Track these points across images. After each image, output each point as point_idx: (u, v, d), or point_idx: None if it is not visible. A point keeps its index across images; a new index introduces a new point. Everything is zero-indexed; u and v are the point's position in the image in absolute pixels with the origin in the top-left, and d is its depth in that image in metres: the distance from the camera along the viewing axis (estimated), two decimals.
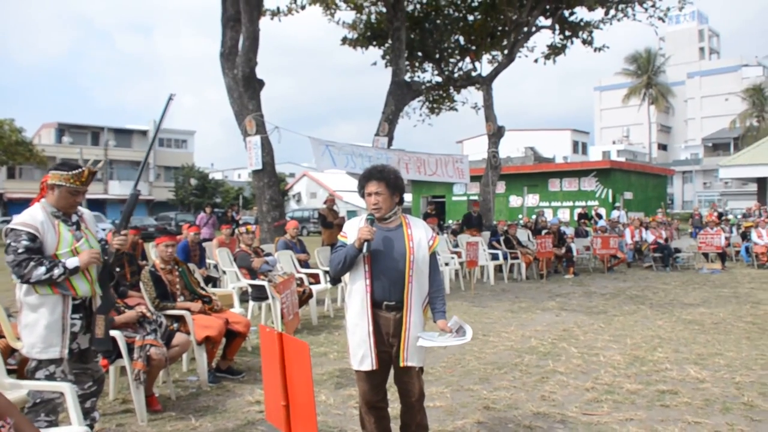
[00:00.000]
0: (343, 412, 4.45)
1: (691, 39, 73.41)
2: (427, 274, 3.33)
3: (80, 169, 3.46)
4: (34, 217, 3.38)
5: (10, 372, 4.05)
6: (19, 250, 3.27)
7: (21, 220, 3.35)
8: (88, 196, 32.47)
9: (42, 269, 3.27)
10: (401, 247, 3.25)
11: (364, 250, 3.19)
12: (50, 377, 3.39)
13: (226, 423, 4.25)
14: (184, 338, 4.85)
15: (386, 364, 3.33)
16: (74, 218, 3.55)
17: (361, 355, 3.24)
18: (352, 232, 3.29)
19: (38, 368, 3.39)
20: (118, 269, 5.20)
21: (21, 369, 4.74)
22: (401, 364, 3.25)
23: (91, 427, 3.69)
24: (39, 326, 3.33)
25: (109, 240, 3.59)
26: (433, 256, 3.38)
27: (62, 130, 51.24)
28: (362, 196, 3.39)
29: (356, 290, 3.28)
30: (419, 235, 3.32)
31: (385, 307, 3.25)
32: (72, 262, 3.35)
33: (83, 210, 3.65)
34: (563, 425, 4.14)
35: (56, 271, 3.29)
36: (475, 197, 20.90)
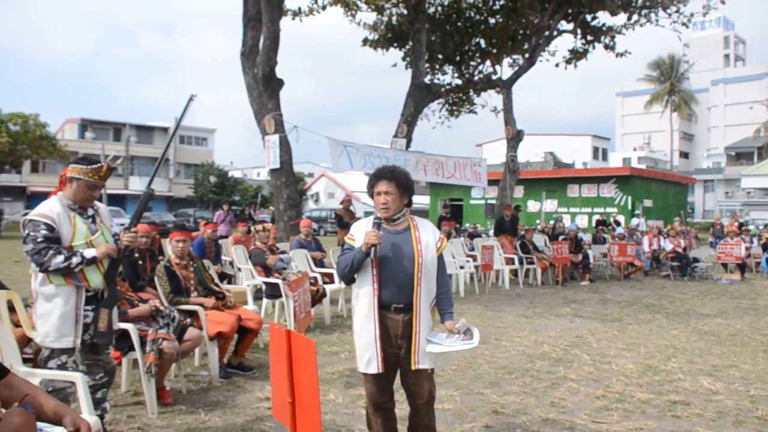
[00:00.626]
0: (352, 411, 4.46)
1: (717, 45, 72.49)
2: (435, 276, 3.32)
3: (99, 164, 3.54)
4: (51, 208, 3.46)
5: (26, 361, 4.12)
6: (38, 239, 3.35)
7: (39, 212, 3.43)
8: (108, 191, 32.91)
9: (61, 257, 3.34)
10: (410, 250, 3.24)
11: (371, 254, 3.19)
12: (62, 367, 3.45)
13: (235, 418, 4.28)
14: (197, 333, 4.89)
15: (393, 366, 3.32)
16: (90, 212, 3.62)
17: (368, 358, 3.24)
18: (360, 235, 3.28)
19: (51, 357, 3.46)
20: (140, 262, 5.28)
21: (36, 358, 4.82)
22: (413, 368, 3.23)
23: (102, 417, 3.74)
24: (53, 316, 3.40)
25: (121, 237, 3.64)
26: (440, 258, 3.37)
27: (85, 125, 51.99)
28: (371, 195, 3.38)
29: (363, 293, 3.27)
30: (427, 237, 3.31)
31: (394, 310, 3.24)
32: (90, 253, 3.42)
33: (99, 204, 3.72)
34: None
35: (74, 260, 3.36)
36: (493, 201, 20.82)
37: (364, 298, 3.27)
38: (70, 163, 3.59)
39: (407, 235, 3.30)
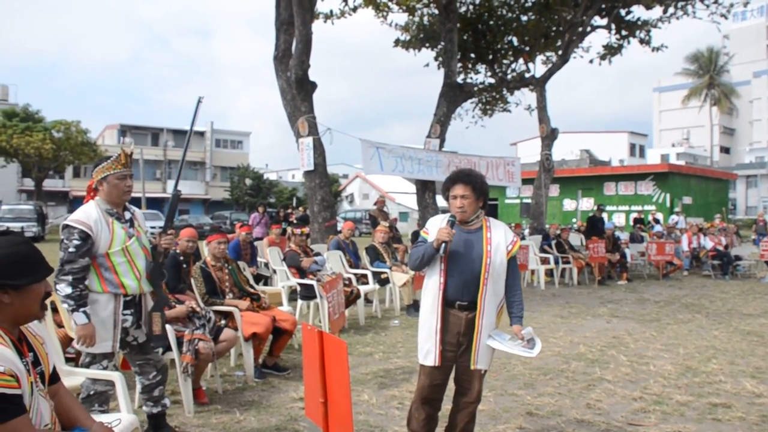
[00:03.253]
0: (385, 412, 4.47)
1: (759, 36, 70.17)
2: (503, 279, 3.34)
3: (116, 154, 3.59)
4: (88, 214, 3.47)
5: (68, 360, 4.26)
6: (70, 249, 3.36)
7: (76, 217, 3.44)
8: (147, 195, 33.60)
9: (69, 290, 3.32)
10: (479, 250, 3.28)
11: (441, 251, 3.24)
12: (104, 371, 3.53)
13: (270, 418, 4.33)
14: (232, 334, 4.97)
15: (449, 363, 3.37)
16: (127, 215, 3.66)
17: (426, 350, 3.32)
18: (434, 229, 3.34)
19: (92, 363, 3.54)
20: (184, 266, 5.40)
21: (79, 358, 4.97)
22: (471, 367, 3.29)
23: (163, 414, 3.87)
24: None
25: (158, 241, 3.72)
26: (512, 261, 3.37)
27: (124, 131, 53.29)
28: (446, 198, 3.41)
29: (430, 287, 3.34)
30: (498, 238, 3.33)
31: (458, 307, 3.28)
32: (80, 319, 3.34)
33: (135, 209, 3.78)
34: None
35: (70, 303, 3.33)
36: (529, 200, 20.62)
37: (430, 291, 3.34)
38: (92, 172, 3.61)
39: (479, 234, 3.34)
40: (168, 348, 4.41)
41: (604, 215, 15.52)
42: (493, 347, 3.29)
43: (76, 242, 3.37)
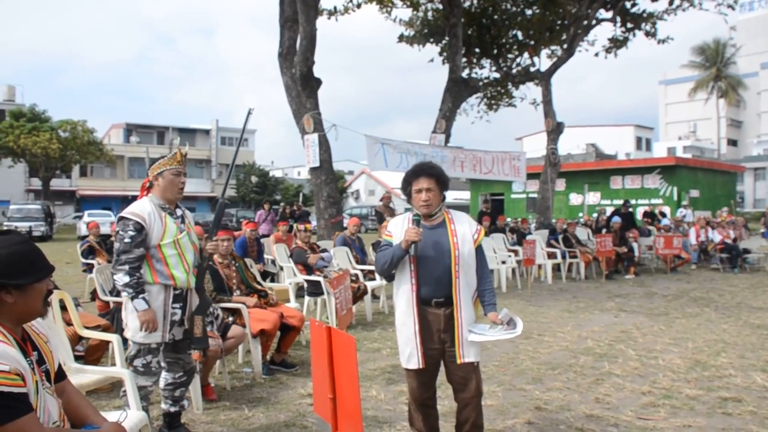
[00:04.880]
0: (393, 407, 4.47)
1: (767, 27, 69.67)
2: (474, 269, 3.31)
3: (173, 152, 3.72)
4: (143, 207, 3.59)
5: (77, 358, 4.27)
6: (125, 239, 3.48)
7: (131, 210, 3.57)
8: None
9: (127, 279, 3.44)
10: (446, 244, 3.24)
11: (411, 251, 3.20)
12: (146, 366, 3.59)
13: (278, 414, 4.34)
14: (240, 331, 4.98)
15: (435, 362, 3.32)
16: (179, 212, 3.76)
17: (408, 354, 3.26)
18: (397, 231, 3.30)
19: (137, 356, 3.58)
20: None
21: (87, 356, 4.99)
22: (458, 362, 3.23)
23: (180, 413, 3.90)
24: None
25: (204, 246, 3.80)
26: (479, 250, 3.34)
27: (130, 130, 53.48)
28: (407, 192, 3.37)
29: (402, 290, 3.29)
30: (463, 229, 3.30)
31: (434, 304, 3.24)
32: (141, 305, 3.46)
33: (185, 209, 3.88)
34: (617, 429, 4.03)
35: (128, 291, 3.45)
36: (535, 195, 20.57)
37: (403, 294, 3.29)
38: (148, 169, 3.76)
39: (443, 228, 3.30)
40: (207, 349, 4.41)
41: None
42: (477, 341, 3.23)
43: (131, 233, 3.49)
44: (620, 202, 28.44)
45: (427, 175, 3.28)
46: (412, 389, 3.38)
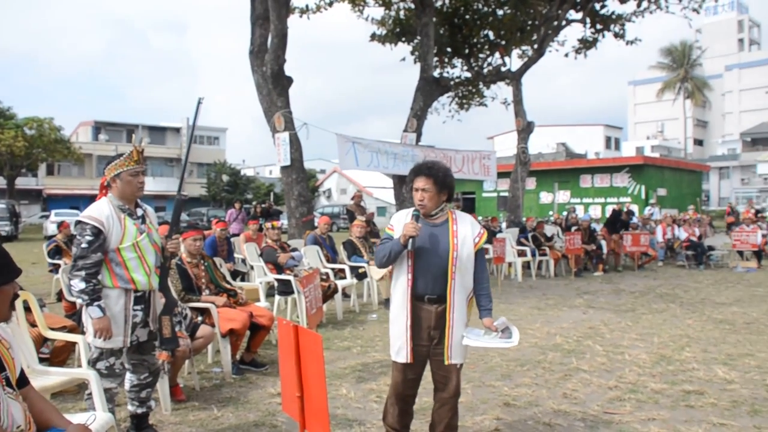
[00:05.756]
0: (363, 405, 4.48)
1: (730, 30, 71.36)
2: (471, 271, 3.32)
3: (128, 151, 3.61)
4: (101, 210, 3.49)
5: (41, 360, 4.19)
6: (83, 245, 3.41)
7: (88, 213, 3.48)
8: None
9: (83, 285, 3.37)
10: (445, 243, 3.26)
11: (409, 246, 3.22)
12: (110, 368, 3.53)
13: (248, 414, 4.32)
14: (209, 330, 4.94)
15: (422, 359, 3.35)
16: (139, 212, 3.68)
17: (398, 347, 3.30)
18: (399, 225, 3.32)
19: (99, 359, 3.52)
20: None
21: (53, 357, 4.90)
22: (446, 362, 3.26)
23: (147, 414, 3.85)
24: None
25: (165, 245, 3.74)
26: (480, 253, 3.35)
27: (98, 128, 52.54)
28: (410, 190, 3.40)
29: (399, 283, 3.32)
30: (465, 231, 3.31)
31: (428, 300, 3.27)
32: (95, 313, 3.38)
33: (146, 206, 3.79)
34: (584, 423, 4.10)
35: (84, 298, 3.38)
36: (506, 193, 20.75)
37: (399, 287, 3.32)
38: (104, 169, 3.65)
39: (445, 228, 3.32)
40: (176, 349, 4.36)
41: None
42: (471, 345, 3.26)
43: (88, 238, 3.41)
44: (590, 200, 29.10)
45: (424, 175, 3.30)
46: (396, 383, 3.40)
